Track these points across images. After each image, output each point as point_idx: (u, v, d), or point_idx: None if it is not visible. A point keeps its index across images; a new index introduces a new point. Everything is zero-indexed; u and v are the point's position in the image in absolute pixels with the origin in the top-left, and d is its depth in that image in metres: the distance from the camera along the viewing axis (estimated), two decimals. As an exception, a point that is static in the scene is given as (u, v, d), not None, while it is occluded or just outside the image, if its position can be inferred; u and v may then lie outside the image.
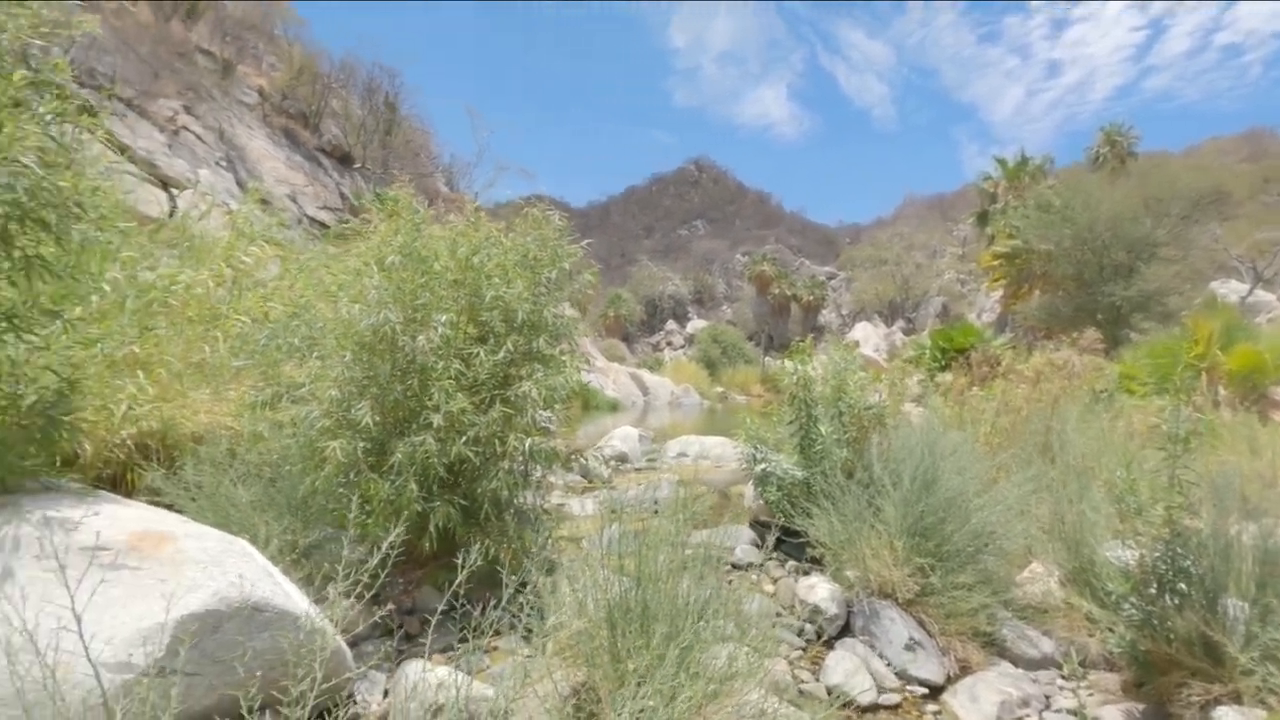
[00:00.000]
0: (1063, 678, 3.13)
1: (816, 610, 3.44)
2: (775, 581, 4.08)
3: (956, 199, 62.35)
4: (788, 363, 4.89)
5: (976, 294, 42.23)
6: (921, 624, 3.33)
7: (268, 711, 1.81)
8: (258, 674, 1.90)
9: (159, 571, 2.05)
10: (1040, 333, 19.69)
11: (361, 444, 3.12)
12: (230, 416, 4.50)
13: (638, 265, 61.80)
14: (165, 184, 12.60)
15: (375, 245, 3.83)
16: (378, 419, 3.20)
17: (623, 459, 8.92)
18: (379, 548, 1.94)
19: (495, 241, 3.85)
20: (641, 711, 1.62)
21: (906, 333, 42.32)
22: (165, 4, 17.00)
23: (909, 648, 3.15)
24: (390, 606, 2.78)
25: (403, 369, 3.37)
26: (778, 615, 3.51)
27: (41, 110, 2.36)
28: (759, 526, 4.90)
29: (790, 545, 4.22)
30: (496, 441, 3.37)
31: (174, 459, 3.92)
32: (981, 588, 3.32)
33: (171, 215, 10.74)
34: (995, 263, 24.50)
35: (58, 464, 2.93)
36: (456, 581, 1.80)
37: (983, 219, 29.73)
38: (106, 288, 4.37)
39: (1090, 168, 29.34)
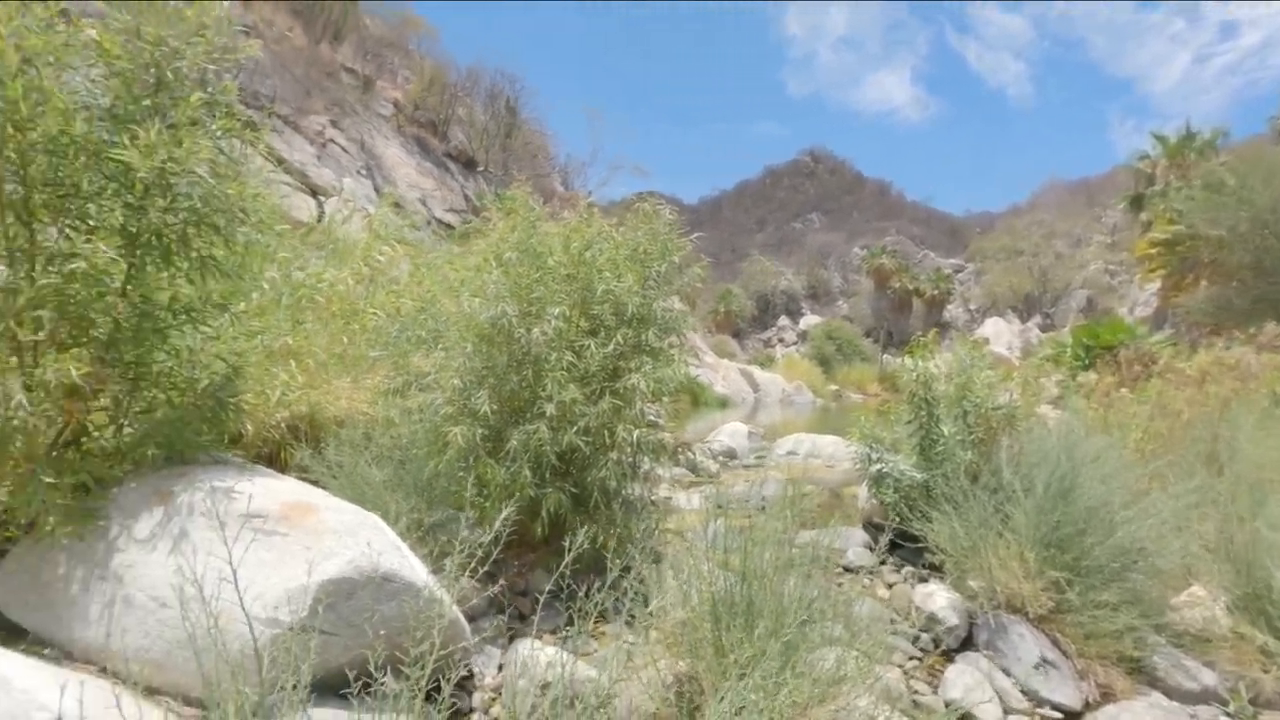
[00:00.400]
0: (1227, 715, 2.78)
1: (934, 619, 3.26)
2: (889, 587, 3.90)
3: (1104, 182, 56.40)
4: (907, 360, 4.66)
5: (1128, 286, 38.02)
6: (1055, 643, 3.06)
7: (390, 672, 1.95)
8: (384, 637, 2.06)
9: (303, 539, 2.27)
10: (1207, 328, 17.45)
11: (480, 430, 3.29)
12: (366, 403, 4.91)
13: (749, 260, 60.83)
14: (314, 191, 13.88)
15: (494, 243, 4.02)
16: (495, 407, 3.37)
17: (730, 455, 8.85)
18: (496, 531, 2.04)
19: (606, 237, 3.93)
20: (744, 705, 1.61)
21: (1044, 329, 38.98)
22: (316, 27, 18.70)
23: (1040, 667, 2.91)
24: (503, 583, 2.92)
25: (518, 360, 3.52)
26: (891, 622, 3.36)
27: (213, 127, 2.67)
28: (872, 529, 4.70)
29: (906, 550, 4.01)
30: (606, 432, 3.45)
31: (319, 440, 4.31)
32: (1128, 608, 3.00)
33: (319, 220, 11.83)
34: (1153, 251, 21.97)
35: (225, 441, 3.30)
36: (564, 562, 1.86)
37: (1137, 203, 26.72)
38: (265, 286, 4.88)
39: (1274, 140, 25.57)
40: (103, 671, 2.09)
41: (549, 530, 3.40)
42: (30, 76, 2.29)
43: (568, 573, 1.93)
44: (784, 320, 53.07)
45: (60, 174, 2.41)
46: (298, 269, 5.72)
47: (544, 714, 2.00)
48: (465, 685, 2.74)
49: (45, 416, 2.29)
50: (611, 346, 3.50)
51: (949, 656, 3.13)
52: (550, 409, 3.28)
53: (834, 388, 32.60)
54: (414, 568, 2.48)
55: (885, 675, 2.57)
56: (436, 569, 2.60)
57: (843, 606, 2.51)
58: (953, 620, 3.24)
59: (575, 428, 3.31)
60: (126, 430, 2.72)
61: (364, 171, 16.99)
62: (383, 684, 1.56)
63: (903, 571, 4.06)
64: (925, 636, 3.26)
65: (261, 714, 1.50)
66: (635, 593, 2.36)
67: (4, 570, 2.39)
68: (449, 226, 16.69)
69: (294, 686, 1.61)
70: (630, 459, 3.76)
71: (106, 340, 2.54)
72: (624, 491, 3.80)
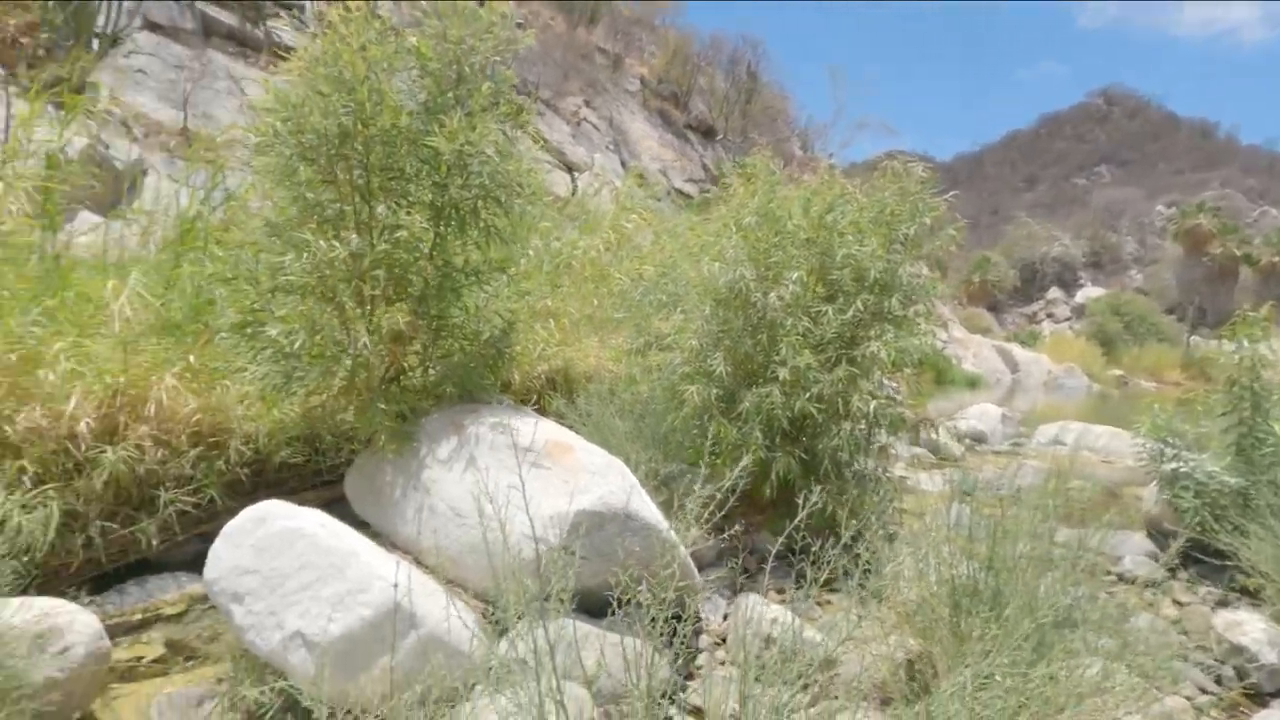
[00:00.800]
0: None
1: (1242, 652, 2.70)
2: (1179, 605, 3.30)
3: None
4: (1227, 341, 3.81)
5: None
6: None
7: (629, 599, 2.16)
8: (627, 567, 2.28)
9: (563, 474, 2.59)
10: None
11: (714, 390, 3.42)
12: (611, 361, 5.36)
13: (1014, 223, 53.43)
14: (569, 168, 15.18)
15: (734, 208, 4.09)
16: (729, 369, 3.47)
17: (979, 438, 8.04)
18: (725, 486, 2.13)
19: (849, 199, 3.78)
20: (987, 681, 1.51)
21: None
22: (574, 14, 20.19)
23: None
24: (731, 534, 3.03)
25: (754, 324, 3.57)
26: (1182, 647, 2.85)
27: (498, 113, 3.07)
28: (1158, 536, 3.99)
29: (1206, 566, 3.35)
30: (840, 401, 3.37)
31: (570, 392, 4.81)
32: None
33: (573, 194, 12.95)
34: None
35: (499, 386, 3.85)
36: (796, 520, 1.89)
37: None
38: (530, 253, 5.53)
39: None
40: (415, 561, 2.62)
41: (777, 493, 3.44)
42: (372, 81, 2.85)
43: (798, 532, 1.96)
44: (1055, 292, 45.92)
45: (390, 160, 2.97)
46: (555, 238, 6.38)
47: (769, 664, 2.07)
48: (693, 626, 2.93)
49: (379, 356, 2.89)
50: (850, 313, 3.39)
51: (1262, 700, 2.58)
52: (784, 374, 3.29)
53: (1117, 372, 27.59)
54: (653, 510, 2.70)
55: (1165, 701, 2.21)
56: (671, 516, 2.80)
57: (1115, 617, 2.20)
58: (1270, 658, 2.66)
59: (808, 394, 3.28)
60: (430, 372, 3.32)
61: (611, 147, 18.14)
62: (629, 605, 1.74)
63: (1200, 592, 3.40)
64: (1227, 671, 2.72)
65: (533, 611, 1.78)
66: (866, 564, 2.31)
67: (351, 475, 3.09)
68: (687, 196, 17.20)
69: (559, 593, 1.88)
70: (864, 431, 3.63)
71: (419, 296, 3.10)
72: (856, 463, 3.70)
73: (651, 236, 7.32)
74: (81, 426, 3.28)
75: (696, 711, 2.46)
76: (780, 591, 3.14)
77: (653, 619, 1.76)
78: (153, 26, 12.03)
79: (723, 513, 2.21)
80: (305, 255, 2.55)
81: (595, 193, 8.53)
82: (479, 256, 3.28)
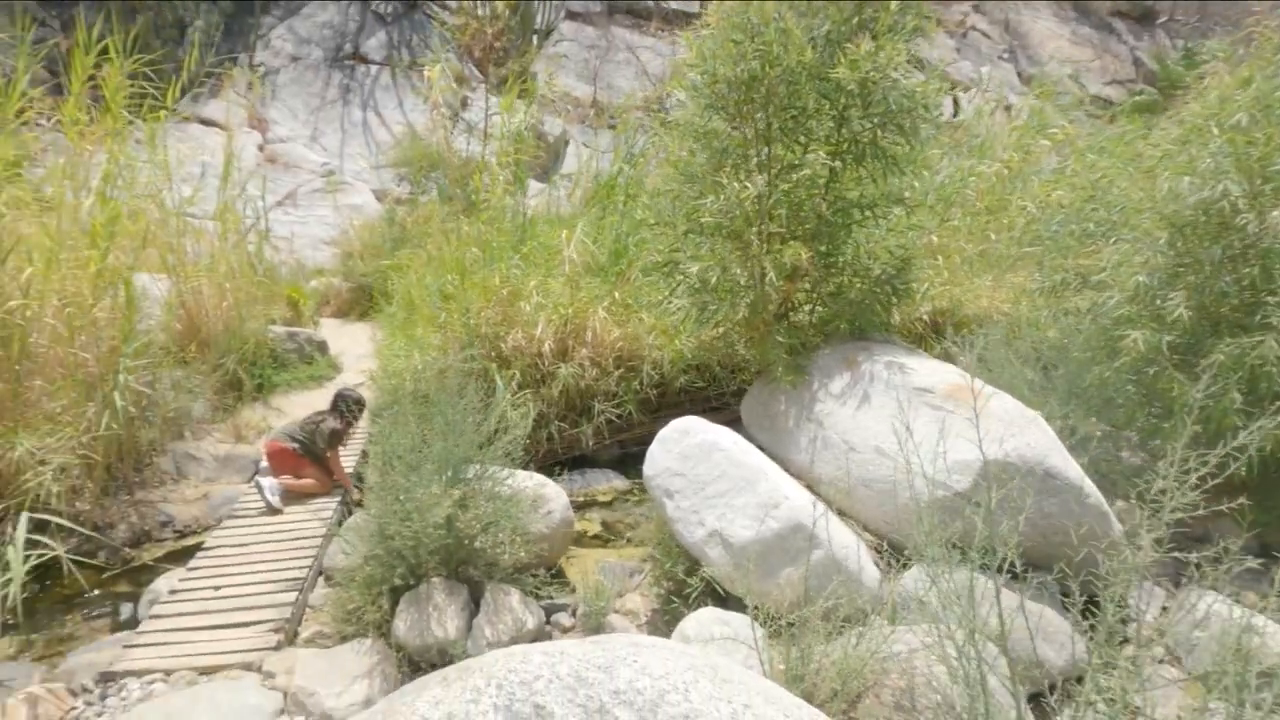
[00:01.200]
0: None
1: None
2: None
3: None
4: None
5: None
6: None
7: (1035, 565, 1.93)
8: (1038, 528, 2.04)
9: (966, 420, 2.40)
10: None
11: (1167, 338, 2.76)
12: (1008, 302, 4.73)
13: None
14: (951, 85, 13.52)
15: (1208, 105, 3.16)
16: (1192, 311, 2.76)
17: None
18: (1163, 456, 1.73)
19: None
20: None
21: None
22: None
23: None
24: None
25: (1235, 254, 2.76)
26: None
27: (905, 29, 2.86)
28: None
29: None
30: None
31: (956, 336, 4.42)
32: None
33: (955, 114, 11.54)
34: None
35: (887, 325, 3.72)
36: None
37: None
38: (916, 184, 5.13)
39: None
40: (808, 488, 2.75)
41: (1257, 475, 2.67)
42: (778, 22, 2.90)
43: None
44: None
45: (791, 100, 3.02)
46: (942, 168, 5.79)
47: (1237, 677, 1.66)
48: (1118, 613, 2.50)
49: (777, 291, 3.03)
50: None
51: None
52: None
53: None
54: (1076, 470, 2.35)
55: None
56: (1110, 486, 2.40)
57: None
58: None
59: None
60: (818, 308, 3.37)
61: (1006, 55, 15.56)
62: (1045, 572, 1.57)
63: None
64: None
65: (937, 556, 1.72)
66: None
67: (747, 401, 3.36)
68: (1107, 102, 13.90)
69: (951, 545, 1.79)
70: None
71: (811, 233, 3.14)
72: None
73: (1059, 158, 6.14)
74: (545, 347, 4.22)
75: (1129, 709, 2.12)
76: (1235, 593, 2.47)
77: (1065, 593, 1.55)
78: (571, 15, 14.20)
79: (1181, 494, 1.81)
80: (720, 197, 2.78)
81: (990, 112, 7.46)
82: (874, 190, 3.16)
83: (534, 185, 8.22)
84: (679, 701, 1.15)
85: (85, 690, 2.20)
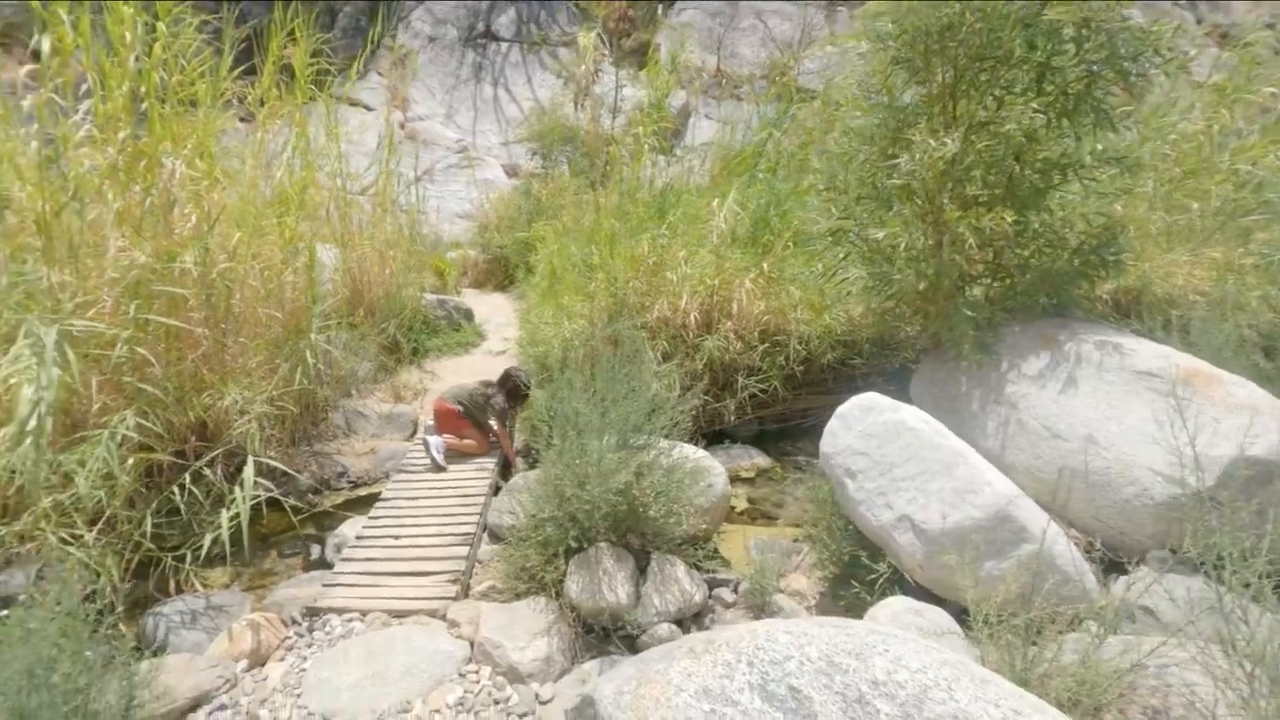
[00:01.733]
0: None
1: None
2: None
3: None
4: None
5: None
6: None
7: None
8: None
9: (1209, 409, 2.10)
10: None
11: None
12: (1208, 281, 4.15)
13: None
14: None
15: None
16: None
17: None
18: None
19: None
20: None
21: None
22: None
23: None
24: None
25: None
26: None
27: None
28: None
29: None
30: None
31: (1142, 318, 3.94)
32: None
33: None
34: None
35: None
36: None
37: None
38: (1099, 145, 4.58)
39: None
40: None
41: None
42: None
43: None
44: None
45: (989, 49, 2.72)
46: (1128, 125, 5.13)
47: None
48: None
49: (968, 260, 2.78)
50: None
51: None
52: None
53: None
54: (1351, 476, 2.00)
55: None
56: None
57: None
58: None
59: None
60: (1004, 280, 3.06)
61: (1184, 1, 13.66)
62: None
63: None
64: None
65: (1161, 563, 1.50)
66: None
67: (917, 380, 3.14)
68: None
69: (1173, 550, 1.55)
70: None
71: (1001, 197, 2.85)
72: None
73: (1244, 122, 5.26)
74: (690, 318, 4.15)
75: None
76: None
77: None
78: (697, -18, 13.85)
79: None
80: (913, 156, 2.56)
81: (1192, 57, 6.53)
82: (1080, 148, 2.82)
83: (659, 159, 8.15)
84: (944, 699, 1.04)
85: (294, 622, 2.40)
